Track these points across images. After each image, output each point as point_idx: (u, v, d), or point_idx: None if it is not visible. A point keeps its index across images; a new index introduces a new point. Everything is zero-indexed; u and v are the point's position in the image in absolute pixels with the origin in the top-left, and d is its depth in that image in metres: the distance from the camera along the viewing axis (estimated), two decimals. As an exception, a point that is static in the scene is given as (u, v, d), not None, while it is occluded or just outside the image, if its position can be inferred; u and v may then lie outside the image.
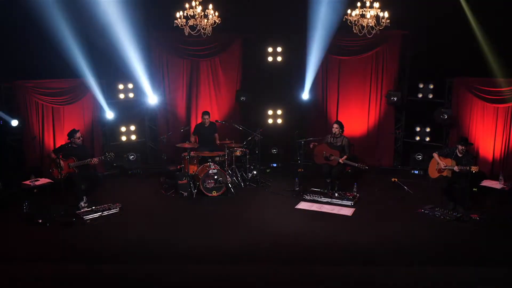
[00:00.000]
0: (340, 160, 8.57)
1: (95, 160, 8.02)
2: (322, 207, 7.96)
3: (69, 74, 9.31)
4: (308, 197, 8.33)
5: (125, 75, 10.13)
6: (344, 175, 8.87)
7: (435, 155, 7.89)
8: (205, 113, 9.73)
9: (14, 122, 8.57)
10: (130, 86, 10.44)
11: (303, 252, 6.27)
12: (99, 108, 9.88)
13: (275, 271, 5.72)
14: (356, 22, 7.05)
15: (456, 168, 7.37)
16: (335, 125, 8.81)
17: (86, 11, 9.19)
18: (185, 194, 8.57)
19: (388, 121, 10.58)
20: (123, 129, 10.58)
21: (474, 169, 7.25)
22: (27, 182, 7.69)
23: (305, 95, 10.56)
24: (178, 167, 9.50)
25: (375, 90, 10.49)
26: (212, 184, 8.51)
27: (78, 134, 7.94)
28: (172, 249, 6.33)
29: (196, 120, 10.73)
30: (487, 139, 9.04)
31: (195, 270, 5.82)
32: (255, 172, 9.53)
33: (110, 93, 10.24)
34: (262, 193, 8.87)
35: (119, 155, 10.19)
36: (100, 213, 7.48)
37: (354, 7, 7.04)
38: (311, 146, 8.89)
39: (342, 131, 8.86)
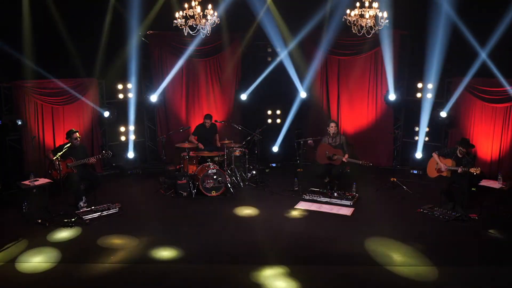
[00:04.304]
0: (344, 159, 8.58)
1: (92, 159, 8.02)
2: (321, 206, 7.96)
3: (69, 74, 9.34)
4: (307, 197, 8.34)
5: (125, 75, 10.14)
6: (343, 175, 8.88)
7: (435, 155, 7.90)
8: (207, 116, 9.73)
9: (19, 122, 8.58)
10: (130, 86, 10.45)
11: (302, 252, 6.28)
12: (98, 108, 9.89)
13: (274, 271, 5.72)
14: (355, 22, 7.06)
15: (459, 170, 7.38)
16: (332, 124, 8.83)
17: (86, 10, 9.23)
18: (185, 194, 8.58)
19: (387, 121, 10.60)
20: (122, 129, 10.58)
21: (474, 171, 7.26)
22: (27, 182, 7.69)
23: (304, 95, 10.58)
24: (178, 167, 9.51)
25: (374, 90, 10.51)
26: (212, 184, 8.51)
27: (75, 135, 7.93)
28: (171, 249, 6.32)
29: (193, 119, 10.74)
30: (486, 139, 9.05)
31: (194, 269, 5.83)
32: (254, 172, 9.54)
33: (109, 93, 10.25)
34: (261, 193, 8.87)
35: (118, 155, 10.22)
36: (99, 213, 7.48)
37: (353, 7, 7.05)
38: (309, 142, 8.90)
39: (339, 129, 8.89)
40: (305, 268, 5.77)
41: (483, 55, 8.59)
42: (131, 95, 10.46)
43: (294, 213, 7.74)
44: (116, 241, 6.57)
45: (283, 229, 7.05)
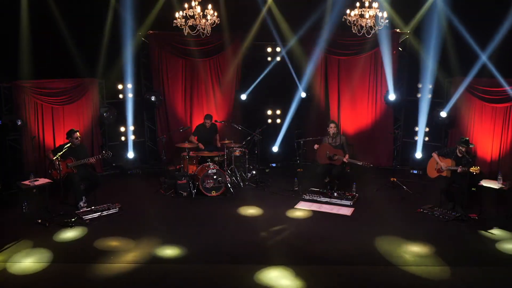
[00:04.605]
0: (344, 159, 8.58)
1: (92, 159, 8.02)
2: (321, 206, 7.97)
3: (68, 74, 9.33)
4: (307, 197, 8.34)
5: (125, 75, 10.15)
6: (344, 175, 8.88)
7: (435, 155, 7.90)
8: (207, 117, 9.74)
9: (19, 122, 8.59)
10: (130, 86, 10.45)
11: (302, 252, 6.28)
12: (98, 108, 9.89)
13: (274, 271, 5.72)
14: (355, 22, 7.06)
15: (459, 169, 7.38)
16: (332, 125, 8.83)
17: (86, 10, 9.22)
18: (185, 194, 8.58)
19: (387, 121, 10.60)
20: (122, 129, 10.58)
21: (473, 170, 7.26)
22: (27, 182, 7.69)
23: (304, 95, 10.59)
24: (177, 167, 9.52)
25: (374, 90, 10.51)
26: (212, 184, 8.51)
27: (76, 134, 7.94)
28: (171, 249, 6.32)
29: (193, 120, 10.75)
30: (486, 139, 9.05)
31: (195, 269, 5.82)
32: (254, 172, 9.54)
33: (109, 93, 10.25)
34: (261, 193, 8.87)
35: (118, 155, 10.23)
36: (99, 213, 7.48)
37: (353, 7, 7.06)
38: (315, 147, 8.91)
39: (338, 130, 8.90)
40: (305, 268, 5.76)
41: (483, 57, 8.60)
42: (131, 95, 10.46)
43: (294, 213, 7.73)
44: (116, 241, 6.56)
45: (283, 229, 7.04)
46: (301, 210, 7.86)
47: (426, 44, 9.48)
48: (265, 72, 10.60)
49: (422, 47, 9.63)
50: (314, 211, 7.78)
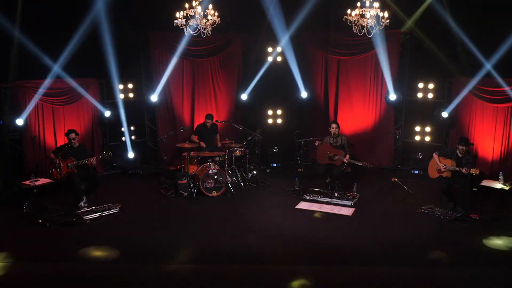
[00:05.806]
0: (345, 160, 8.58)
1: (92, 160, 8.02)
2: (322, 207, 7.96)
3: (69, 74, 9.33)
4: (308, 197, 8.33)
5: (125, 75, 10.13)
6: (344, 175, 8.87)
7: (435, 155, 7.88)
8: (208, 116, 9.73)
9: (19, 122, 8.59)
10: (130, 86, 10.44)
11: (302, 252, 6.27)
12: (99, 108, 9.89)
13: (275, 272, 5.71)
14: (355, 22, 7.06)
15: (464, 170, 7.34)
16: (334, 125, 8.83)
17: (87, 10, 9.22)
18: (185, 194, 8.58)
19: (388, 121, 10.58)
20: (123, 129, 10.57)
21: (473, 171, 7.23)
22: (27, 182, 7.69)
23: (305, 95, 10.58)
24: (178, 167, 9.51)
25: (375, 90, 10.49)
26: (212, 184, 8.51)
27: (71, 135, 7.94)
28: (172, 249, 6.32)
29: (193, 119, 10.74)
30: (487, 139, 9.03)
31: (194, 270, 5.82)
32: (255, 172, 9.53)
33: (110, 93, 10.25)
34: (262, 193, 8.87)
35: (119, 155, 10.23)
36: (100, 213, 7.48)
37: (354, 7, 7.05)
38: (316, 144, 8.90)
39: (339, 130, 8.91)
40: (306, 268, 5.76)
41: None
42: (131, 95, 10.45)
43: (295, 214, 7.72)
44: (116, 241, 6.56)
45: (284, 230, 7.04)
46: (302, 210, 7.85)
47: (427, 44, 9.46)
48: (266, 72, 10.59)
49: (422, 47, 9.60)
50: (314, 211, 7.77)
